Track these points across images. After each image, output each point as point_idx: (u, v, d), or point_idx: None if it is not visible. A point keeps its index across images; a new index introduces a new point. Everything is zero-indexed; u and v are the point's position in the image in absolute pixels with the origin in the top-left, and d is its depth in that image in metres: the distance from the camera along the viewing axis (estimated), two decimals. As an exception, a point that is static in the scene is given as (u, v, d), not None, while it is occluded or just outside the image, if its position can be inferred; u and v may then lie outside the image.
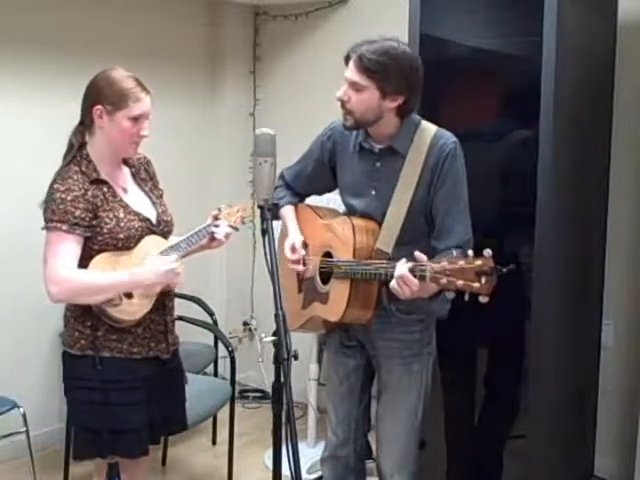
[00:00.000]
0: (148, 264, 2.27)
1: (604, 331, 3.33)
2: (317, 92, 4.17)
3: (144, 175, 2.47)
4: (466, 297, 2.02)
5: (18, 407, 3.12)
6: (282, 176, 2.65)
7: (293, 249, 2.48)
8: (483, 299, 1.99)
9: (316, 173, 2.56)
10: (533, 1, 2.69)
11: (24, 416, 3.13)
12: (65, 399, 2.45)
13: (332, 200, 2.88)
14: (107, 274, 2.25)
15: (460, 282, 2.01)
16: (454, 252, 2.09)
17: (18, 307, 3.54)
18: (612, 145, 3.24)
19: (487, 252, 1.99)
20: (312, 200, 2.73)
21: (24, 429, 3.14)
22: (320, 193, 2.70)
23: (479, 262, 2.00)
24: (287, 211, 2.61)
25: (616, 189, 3.27)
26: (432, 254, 2.24)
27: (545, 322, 2.78)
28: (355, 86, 2.27)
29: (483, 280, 1.99)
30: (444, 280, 2.05)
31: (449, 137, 2.35)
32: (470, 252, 2.02)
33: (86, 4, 3.68)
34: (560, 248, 2.83)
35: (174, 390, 2.50)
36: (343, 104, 2.32)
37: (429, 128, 2.36)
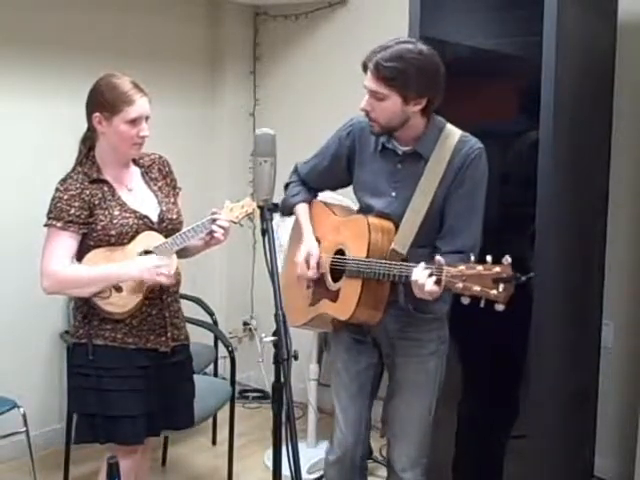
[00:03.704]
0: (135, 260, 2.36)
1: (604, 331, 3.33)
2: (317, 92, 4.18)
3: (156, 174, 2.53)
4: (482, 304, 1.98)
5: (18, 407, 3.12)
6: (296, 170, 2.64)
7: (308, 263, 2.46)
8: (499, 307, 1.96)
9: (331, 168, 2.53)
10: (533, 1, 2.69)
11: (24, 416, 3.13)
12: (67, 400, 2.50)
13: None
14: (92, 268, 2.36)
15: (477, 288, 1.98)
16: (472, 257, 2.05)
17: (18, 307, 3.54)
18: (612, 145, 3.24)
19: (506, 259, 1.96)
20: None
21: (24, 429, 3.14)
22: (334, 189, 2.68)
23: (498, 269, 1.97)
24: (301, 210, 2.59)
25: (616, 189, 3.27)
26: (435, 254, 2.24)
27: (545, 322, 2.78)
28: (376, 95, 2.24)
29: (501, 288, 1.96)
30: (460, 285, 2.01)
31: (475, 143, 2.32)
32: (489, 258, 1.99)
33: (86, 4, 3.68)
34: (560, 248, 2.83)
35: (178, 385, 2.54)
36: (367, 114, 2.30)
37: (454, 132, 2.33)
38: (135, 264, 2.35)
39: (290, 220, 2.75)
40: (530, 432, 2.84)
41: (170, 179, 2.57)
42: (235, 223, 2.51)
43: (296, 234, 2.64)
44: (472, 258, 2.05)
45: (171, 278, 2.39)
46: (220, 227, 2.45)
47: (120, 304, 2.38)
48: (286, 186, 2.64)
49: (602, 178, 3.22)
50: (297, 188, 2.62)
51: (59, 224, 2.33)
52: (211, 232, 2.46)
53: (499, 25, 2.95)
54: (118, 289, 2.36)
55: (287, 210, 2.63)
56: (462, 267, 2.03)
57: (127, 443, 2.40)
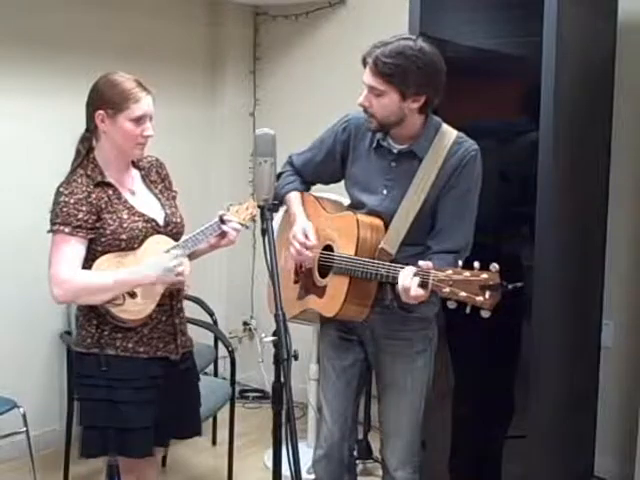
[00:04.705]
0: (148, 262, 2.28)
1: (604, 331, 3.33)
2: (317, 92, 4.17)
3: (155, 177, 2.47)
4: (467, 309, 1.99)
5: (18, 407, 3.12)
6: (290, 161, 2.63)
7: (305, 234, 2.43)
8: (485, 314, 1.97)
9: (325, 162, 2.53)
10: (533, 1, 2.69)
11: (24, 416, 3.13)
12: (67, 400, 2.45)
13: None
14: (107, 274, 2.25)
15: (463, 294, 1.99)
16: (460, 262, 2.06)
17: (18, 307, 3.54)
18: (612, 145, 3.24)
19: (494, 266, 1.96)
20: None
21: (24, 429, 3.14)
22: (326, 183, 2.66)
23: (485, 276, 1.97)
24: (294, 197, 2.58)
25: (616, 189, 3.27)
26: (426, 253, 2.25)
27: (545, 322, 2.78)
28: (374, 91, 2.24)
29: (487, 294, 1.96)
30: (446, 289, 2.02)
31: (470, 145, 2.32)
32: (476, 264, 1.99)
33: (86, 4, 3.68)
34: (560, 248, 2.83)
35: (186, 393, 2.49)
36: (365, 109, 2.29)
37: (450, 133, 2.33)
38: (151, 267, 2.26)
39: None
40: (530, 432, 2.84)
41: (168, 182, 2.51)
42: (242, 225, 2.48)
43: (286, 223, 2.62)
44: (460, 263, 2.05)
45: (188, 278, 2.33)
46: (233, 229, 2.43)
47: (135, 310, 2.28)
48: (279, 175, 2.60)
49: (602, 178, 3.22)
50: (291, 178, 2.61)
51: (67, 229, 2.22)
52: (221, 234, 2.43)
53: (499, 25, 2.95)
54: (132, 295, 2.27)
55: (278, 199, 2.59)
56: (449, 272, 2.03)
57: (138, 456, 2.34)
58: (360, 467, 3.45)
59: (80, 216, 2.23)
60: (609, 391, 3.36)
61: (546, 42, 2.66)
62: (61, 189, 2.26)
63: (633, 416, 3.12)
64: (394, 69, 2.19)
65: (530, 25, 2.74)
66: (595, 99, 3.06)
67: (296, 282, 2.57)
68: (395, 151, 2.35)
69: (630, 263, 3.35)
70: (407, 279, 2.11)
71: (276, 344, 1.92)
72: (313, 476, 2.65)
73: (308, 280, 2.51)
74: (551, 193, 2.72)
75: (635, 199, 3.31)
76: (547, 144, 2.70)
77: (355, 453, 2.74)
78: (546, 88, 2.67)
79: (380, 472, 3.44)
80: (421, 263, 2.10)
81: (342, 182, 2.55)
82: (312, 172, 2.59)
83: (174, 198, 2.50)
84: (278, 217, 2.79)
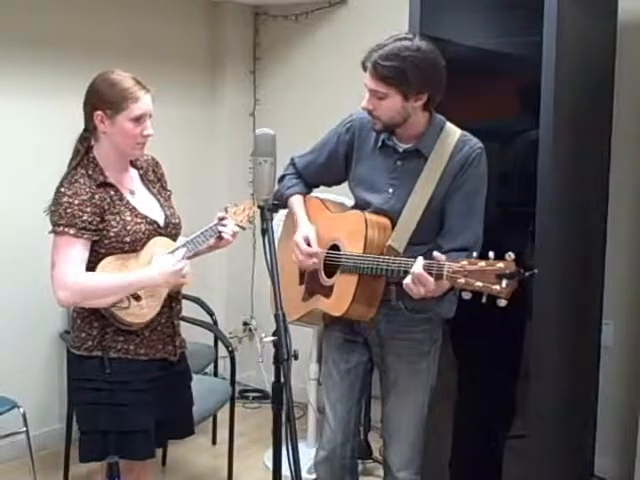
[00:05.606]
0: (155, 264, 2.25)
1: (604, 331, 3.33)
2: (317, 92, 4.18)
3: (152, 177, 2.44)
4: (484, 299, 1.98)
5: (18, 407, 3.12)
6: (293, 163, 2.62)
7: (307, 241, 2.44)
8: (502, 303, 1.96)
9: (328, 165, 2.52)
10: (533, 1, 2.69)
11: (24, 416, 3.13)
12: (67, 400, 2.44)
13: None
14: (114, 276, 2.23)
15: (479, 283, 1.98)
16: (474, 253, 2.05)
17: (18, 307, 3.54)
18: (612, 145, 3.24)
19: (509, 255, 1.96)
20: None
21: (24, 429, 3.14)
22: (329, 185, 2.66)
23: (501, 265, 1.96)
24: (296, 200, 2.57)
25: (616, 188, 3.27)
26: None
27: (545, 322, 2.78)
28: (377, 94, 2.25)
29: (504, 283, 1.95)
30: (462, 280, 2.01)
31: (475, 142, 2.33)
32: (491, 254, 1.99)
33: (86, 4, 3.68)
34: (560, 247, 2.83)
35: (181, 393, 2.49)
36: (369, 112, 2.31)
37: (454, 131, 2.34)
38: (157, 269, 2.23)
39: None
40: (530, 432, 2.84)
41: (164, 181, 2.49)
42: (239, 227, 2.47)
43: (289, 226, 2.62)
44: (474, 254, 2.05)
45: (191, 280, 2.32)
46: (231, 231, 2.41)
47: (141, 314, 2.26)
48: (281, 178, 2.61)
49: (602, 178, 3.22)
50: (293, 181, 2.60)
51: (72, 231, 2.16)
52: (219, 236, 2.41)
53: (499, 25, 2.95)
54: (137, 298, 2.24)
55: (281, 202, 2.57)
56: (464, 262, 2.02)
57: (140, 458, 2.32)
58: (360, 467, 3.45)
59: (85, 217, 2.18)
60: (609, 391, 3.36)
61: (546, 42, 2.66)
62: (62, 189, 2.21)
63: (633, 416, 3.12)
64: (393, 71, 2.20)
65: (530, 25, 2.73)
66: (595, 99, 3.06)
67: (301, 283, 2.57)
68: (401, 150, 2.35)
69: (630, 263, 3.35)
70: (419, 268, 2.11)
71: (276, 344, 1.92)
72: (313, 476, 2.65)
73: (314, 281, 2.50)
74: (551, 193, 2.72)
75: (635, 199, 3.31)
76: (547, 144, 2.69)
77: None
78: (546, 88, 2.67)
79: (380, 472, 3.44)
80: (435, 254, 2.10)
81: (344, 183, 2.54)
82: (314, 174, 2.59)
83: (169, 198, 2.48)
84: (280, 218, 2.79)
